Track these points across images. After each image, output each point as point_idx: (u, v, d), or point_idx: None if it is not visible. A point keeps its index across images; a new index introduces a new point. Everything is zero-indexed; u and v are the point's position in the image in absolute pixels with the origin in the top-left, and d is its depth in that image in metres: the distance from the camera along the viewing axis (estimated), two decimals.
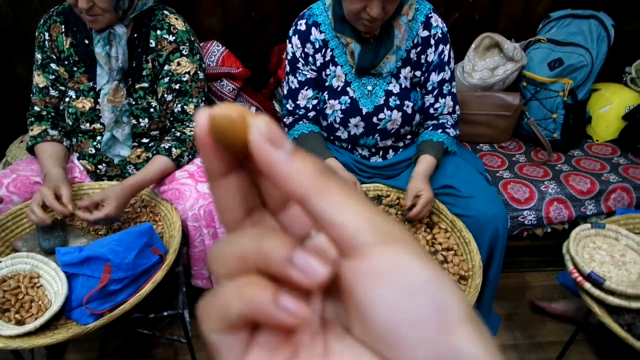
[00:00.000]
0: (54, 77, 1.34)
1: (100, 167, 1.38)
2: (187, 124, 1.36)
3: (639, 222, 1.23)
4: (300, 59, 1.32)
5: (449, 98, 1.33)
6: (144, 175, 1.26)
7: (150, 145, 1.38)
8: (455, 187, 1.29)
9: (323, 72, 1.34)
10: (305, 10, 1.32)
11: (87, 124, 1.34)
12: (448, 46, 1.28)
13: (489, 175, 1.55)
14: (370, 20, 1.14)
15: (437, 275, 0.16)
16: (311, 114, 1.38)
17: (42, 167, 1.28)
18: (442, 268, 1.14)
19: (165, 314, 1.19)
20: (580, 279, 1.06)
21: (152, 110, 1.34)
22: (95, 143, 1.35)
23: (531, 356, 1.54)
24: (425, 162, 1.27)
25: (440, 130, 1.33)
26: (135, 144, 1.36)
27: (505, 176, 1.70)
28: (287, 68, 1.36)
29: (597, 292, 1.03)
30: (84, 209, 1.15)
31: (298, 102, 1.37)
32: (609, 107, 1.89)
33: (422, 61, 1.29)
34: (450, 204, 1.28)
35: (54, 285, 1.05)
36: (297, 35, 1.30)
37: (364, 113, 1.32)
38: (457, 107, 1.37)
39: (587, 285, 1.04)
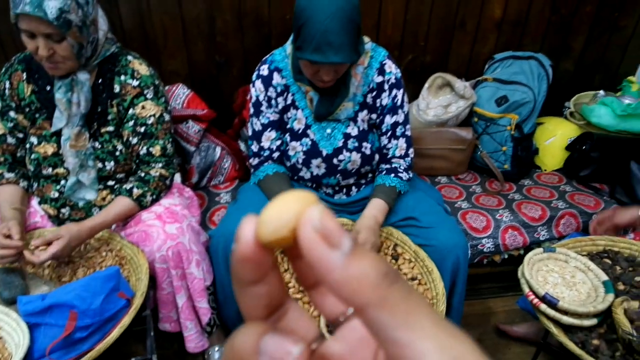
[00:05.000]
0: (12, 124, 1.33)
1: (63, 210, 1.36)
2: (152, 165, 1.37)
3: (585, 245, 1.32)
4: (263, 102, 1.37)
5: (402, 140, 1.40)
6: (104, 217, 1.27)
7: (116, 187, 1.38)
8: (417, 218, 1.35)
9: (285, 115, 1.39)
10: (267, 56, 1.39)
11: (50, 169, 1.33)
12: (402, 91, 1.36)
13: (447, 207, 1.63)
14: (323, 81, 1.21)
15: None
16: (276, 154, 1.43)
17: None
18: None
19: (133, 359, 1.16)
20: (536, 300, 1.12)
21: (118, 153, 1.35)
22: (58, 187, 1.34)
23: None
24: (374, 205, 1.32)
25: (393, 175, 1.39)
26: (101, 186, 1.36)
27: (464, 206, 1.78)
28: (251, 110, 1.41)
29: (552, 312, 1.08)
30: (32, 250, 1.14)
31: (262, 144, 1.41)
32: (553, 139, 2.04)
33: (378, 105, 1.36)
34: (412, 235, 1.33)
35: (15, 337, 1.01)
36: (260, 80, 1.36)
37: (324, 155, 1.38)
38: (411, 150, 1.43)
39: (543, 307, 1.10)
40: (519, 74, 1.92)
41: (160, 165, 1.37)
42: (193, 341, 1.33)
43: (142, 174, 1.36)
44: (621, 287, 1.19)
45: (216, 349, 1.44)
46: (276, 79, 1.35)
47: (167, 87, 1.77)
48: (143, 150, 1.35)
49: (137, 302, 1.10)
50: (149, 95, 1.35)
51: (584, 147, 1.90)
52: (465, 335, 0.16)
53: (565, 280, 1.20)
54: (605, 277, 1.16)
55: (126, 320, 1.04)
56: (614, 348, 1.05)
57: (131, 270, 1.23)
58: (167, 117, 1.40)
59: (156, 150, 1.36)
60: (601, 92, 2.13)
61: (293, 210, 0.17)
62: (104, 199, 1.37)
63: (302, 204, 0.17)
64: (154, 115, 1.36)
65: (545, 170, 2.05)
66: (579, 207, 1.77)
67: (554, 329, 1.08)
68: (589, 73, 2.25)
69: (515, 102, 1.85)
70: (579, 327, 1.08)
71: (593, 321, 1.08)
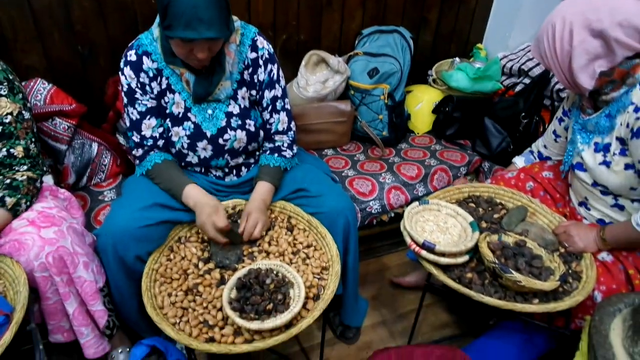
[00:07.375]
0: None
1: None
2: (16, 168, 1.24)
3: (453, 194, 1.50)
4: (137, 89, 1.31)
5: (283, 114, 1.44)
6: None
7: None
8: (306, 189, 1.42)
9: (162, 100, 1.35)
10: (133, 41, 1.32)
11: None
12: (276, 65, 1.39)
13: (335, 176, 1.72)
14: (198, 60, 1.19)
15: None
16: (160, 142, 1.38)
17: None
18: (306, 265, 1.25)
19: None
20: (417, 248, 1.25)
21: None
22: None
23: (397, 327, 1.74)
24: (260, 188, 1.37)
25: (277, 154, 1.43)
26: None
27: (350, 174, 1.90)
28: (125, 100, 1.34)
29: (431, 256, 1.22)
30: None
31: (143, 133, 1.36)
32: (421, 105, 2.24)
33: (255, 81, 1.38)
34: (304, 205, 1.40)
35: None
36: (129, 66, 1.29)
37: (208, 136, 1.37)
38: (293, 124, 1.48)
39: (424, 252, 1.23)
40: (386, 46, 2.06)
41: (25, 167, 1.25)
42: (92, 347, 1.26)
43: (8, 181, 1.22)
44: (484, 225, 1.38)
45: (119, 350, 1.38)
46: (146, 63, 1.29)
47: (23, 83, 1.60)
48: (2, 153, 1.22)
49: (18, 315, 1.00)
50: (3, 92, 1.22)
51: (447, 109, 2.13)
52: None
53: (439, 226, 1.35)
54: (471, 219, 1.34)
55: (7, 336, 0.95)
56: (483, 277, 1.22)
57: (7, 285, 1.12)
58: (26, 114, 1.28)
59: (18, 151, 1.24)
60: (457, 59, 2.39)
61: None
62: None
63: None
64: (11, 113, 1.23)
65: (418, 133, 2.25)
66: (448, 162, 1.98)
67: (434, 271, 1.22)
68: (445, 43, 2.50)
69: (385, 73, 1.99)
70: (455, 265, 1.23)
71: (465, 258, 1.23)
